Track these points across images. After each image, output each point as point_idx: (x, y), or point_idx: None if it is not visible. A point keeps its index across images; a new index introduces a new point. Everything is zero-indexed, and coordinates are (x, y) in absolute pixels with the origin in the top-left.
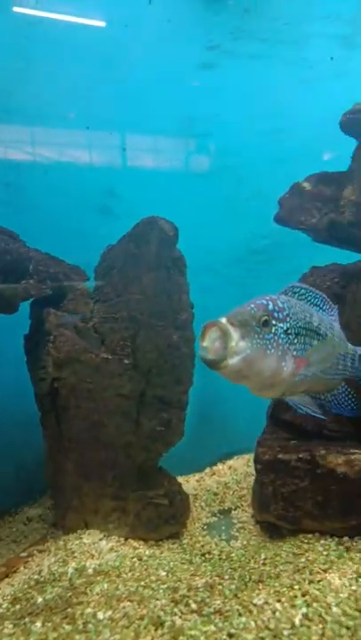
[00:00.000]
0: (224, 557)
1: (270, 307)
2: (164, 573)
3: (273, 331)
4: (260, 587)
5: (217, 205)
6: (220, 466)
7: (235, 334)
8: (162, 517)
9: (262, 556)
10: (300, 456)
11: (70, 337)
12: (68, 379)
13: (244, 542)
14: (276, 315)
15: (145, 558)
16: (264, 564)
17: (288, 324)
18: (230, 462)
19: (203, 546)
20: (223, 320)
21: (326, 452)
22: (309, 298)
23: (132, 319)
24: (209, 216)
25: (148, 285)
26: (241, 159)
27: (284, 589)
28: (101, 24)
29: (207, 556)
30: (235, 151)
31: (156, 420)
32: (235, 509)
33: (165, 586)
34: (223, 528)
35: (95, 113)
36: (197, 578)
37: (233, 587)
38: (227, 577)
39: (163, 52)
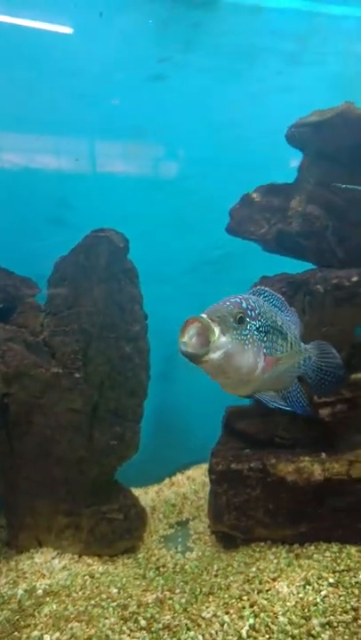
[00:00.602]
0: (178, 570)
1: (244, 305)
2: (115, 590)
3: (248, 327)
4: (210, 599)
5: (171, 215)
6: (179, 476)
7: (216, 330)
8: (116, 532)
9: (215, 567)
10: (252, 465)
11: (19, 351)
12: (17, 394)
13: (199, 554)
14: (249, 313)
15: (97, 575)
16: (216, 576)
17: (259, 323)
18: (189, 472)
19: (158, 559)
20: (204, 316)
21: (277, 461)
22: (271, 300)
23: (82, 332)
24: (163, 226)
25: (98, 297)
26: (194, 170)
27: (233, 601)
28: (67, 30)
29: (162, 569)
30: (187, 162)
31: (110, 434)
32: (192, 520)
33: (115, 603)
34: (180, 540)
35: (49, 120)
36: (149, 593)
37: (183, 600)
38: (178, 590)
39: (115, 62)
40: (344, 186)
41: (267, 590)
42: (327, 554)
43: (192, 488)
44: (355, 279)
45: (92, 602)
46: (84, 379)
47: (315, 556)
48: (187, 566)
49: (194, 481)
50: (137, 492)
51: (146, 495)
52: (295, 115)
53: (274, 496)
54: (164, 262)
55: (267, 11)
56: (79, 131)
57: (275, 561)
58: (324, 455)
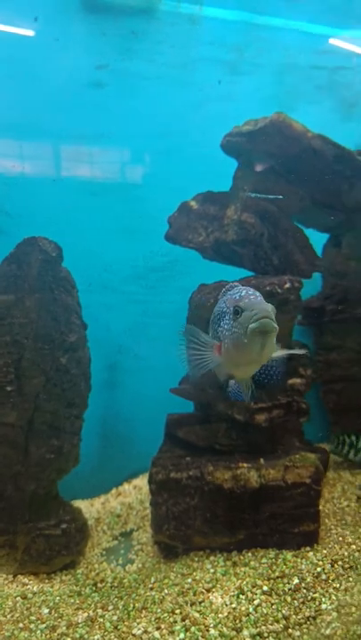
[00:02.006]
0: (116, 584)
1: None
2: (46, 611)
3: None
4: (143, 614)
5: (114, 222)
6: (125, 486)
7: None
8: (54, 549)
9: (152, 580)
10: (191, 473)
11: None
12: None
13: (140, 566)
14: None
15: (30, 596)
16: (152, 589)
17: None
18: (136, 481)
19: (98, 574)
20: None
21: (214, 469)
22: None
23: (15, 344)
24: (107, 233)
25: (31, 308)
26: (136, 177)
27: (166, 615)
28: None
29: (99, 584)
30: (131, 169)
31: (46, 448)
32: (136, 530)
33: (45, 625)
34: (122, 552)
35: None
36: (80, 612)
37: (115, 618)
38: (111, 607)
39: (53, 68)
40: (254, 195)
41: (200, 602)
42: (264, 560)
43: (138, 497)
44: (287, 286)
45: (20, 625)
46: (18, 392)
47: (251, 563)
48: (125, 580)
49: (140, 490)
50: (82, 504)
51: (91, 507)
52: (235, 124)
53: (211, 504)
54: (107, 270)
55: (205, 21)
56: (18, 135)
57: (211, 570)
58: (262, 461)
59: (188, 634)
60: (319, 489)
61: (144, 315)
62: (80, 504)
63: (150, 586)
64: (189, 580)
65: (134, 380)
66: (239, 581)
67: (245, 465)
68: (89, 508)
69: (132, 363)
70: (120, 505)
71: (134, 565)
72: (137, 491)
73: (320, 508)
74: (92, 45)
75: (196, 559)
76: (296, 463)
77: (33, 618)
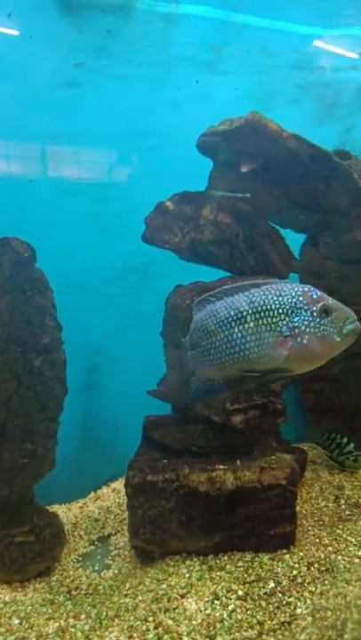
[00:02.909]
0: (91, 591)
1: None
2: (17, 621)
3: None
4: (115, 622)
5: (92, 223)
6: (104, 489)
7: None
8: (27, 556)
9: (127, 586)
10: (167, 476)
11: None
12: None
13: (116, 571)
14: None
15: (1, 606)
16: (126, 596)
17: None
18: (114, 485)
19: (73, 580)
20: None
21: (190, 471)
22: None
23: None
24: (85, 234)
25: (2, 310)
26: (113, 177)
27: (138, 623)
28: None
29: (73, 592)
30: (109, 168)
31: (19, 452)
32: (114, 535)
33: (14, 637)
34: (99, 557)
35: None
36: (52, 621)
37: (87, 627)
38: (84, 616)
39: (27, 66)
40: (221, 194)
41: (174, 609)
42: (240, 564)
43: (117, 501)
44: None
45: None
46: None
47: (227, 567)
48: (100, 587)
49: (119, 494)
50: (60, 508)
51: (69, 511)
52: (213, 123)
53: (187, 507)
54: (85, 271)
55: (182, 19)
56: None
57: (187, 575)
58: (239, 462)
59: None
60: (295, 490)
61: (123, 316)
62: (57, 509)
63: (125, 592)
64: (164, 586)
65: (113, 382)
66: (214, 586)
67: (221, 467)
68: (66, 512)
69: (111, 365)
70: (98, 509)
71: (110, 571)
72: (116, 494)
73: (298, 508)
74: (68, 44)
75: (172, 564)
76: (272, 464)
77: (2, 630)
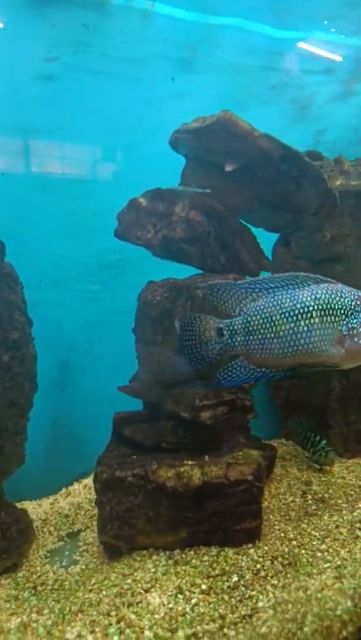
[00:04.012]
0: (56, 587)
1: None
2: None
3: None
4: (79, 617)
5: (66, 219)
6: (75, 485)
7: None
8: None
9: (93, 581)
10: (135, 472)
11: None
12: None
13: (83, 567)
14: None
15: None
16: (91, 591)
17: None
18: (86, 481)
19: (39, 576)
20: None
21: (158, 467)
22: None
23: None
24: (59, 230)
25: None
26: (87, 173)
27: (101, 617)
28: None
29: (39, 588)
30: (82, 164)
31: None
32: (84, 531)
33: None
34: (67, 553)
35: None
36: (14, 617)
37: (49, 622)
38: (47, 611)
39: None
40: (181, 188)
41: (137, 603)
42: (205, 558)
43: (87, 497)
44: None
45: None
46: None
47: (193, 561)
48: (66, 582)
49: (90, 490)
50: (30, 504)
51: (39, 507)
52: (188, 121)
53: (154, 503)
54: (59, 266)
55: (158, 17)
56: None
57: (152, 570)
58: (207, 458)
59: (122, 636)
60: (261, 485)
61: (97, 313)
62: (28, 505)
63: (90, 587)
64: (129, 581)
65: (86, 378)
66: (179, 580)
67: (189, 462)
68: (37, 508)
69: (83, 361)
70: (69, 505)
71: (77, 567)
72: (87, 490)
73: (266, 504)
74: (42, 37)
75: (139, 559)
76: (239, 460)
77: None
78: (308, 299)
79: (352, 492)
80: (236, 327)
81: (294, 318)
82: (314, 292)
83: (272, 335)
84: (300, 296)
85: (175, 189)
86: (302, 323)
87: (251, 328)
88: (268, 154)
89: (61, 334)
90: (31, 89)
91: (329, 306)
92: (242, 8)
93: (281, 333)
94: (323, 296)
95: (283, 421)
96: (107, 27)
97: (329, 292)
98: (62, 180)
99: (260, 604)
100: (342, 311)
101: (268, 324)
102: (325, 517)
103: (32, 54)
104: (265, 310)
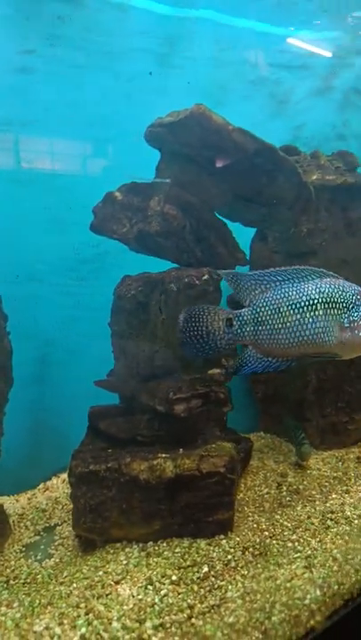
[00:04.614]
0: (29, 581)
1: None
2: None
3: None
4: (48, 610)
5: (44, 213)
6: (54, 480)
7: None
8: None
9: (65, 574)
10: (109, 465)
11: None
12: None
13: (57, 560)
14: None
15: None
16: (62, 584)
17: None
18: (64, 475)
19: (13, 570)
20: None
21: (131, 460)
22: None
23: None
24: (36, 224)
25: None
26: (65, 166)
27: (70, 610)
28: None
29: (12, 581)
30: (60, 158)
31: None
32: (60, 525)
33: None
34: (42, 547)
35: None
36: None
37: (18, 615)
38: (16, 604)
39: None
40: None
41: (107, 595)
42: (178, 550)
43: (65, 492)
44: (205, 277)
45: None
46: None
47: (165, 553)
48: (39, 575)
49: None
50: (8, 499)
51: (17, 502)
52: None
53: (128, 495)
54: (36, 261)
55: (134, 11)
56: None
57: (124, 562)
58: (181, 451)
59: (90, 628)
60: (233, 478)
61: (75, 307)
62: (5, 500)
63: (61, 580)
64: (100, 573)
65: (65, 373)
66: (150, 572)
67: (163, 455)
68: (14, 503)
69: (62, 356)
70: (47, 500)
71: (52, 560)
72: (65, 485)
73: (241, 495)
74: (16, 30)
75: (112, 551)
76: (211, 452)
77: None
78: (314, 292)
79: (326, 484)
80: (245, 318)
81: (300, 310)
82: (318, 286)
83: (280, 326)
84: (306, 289)
85: (161, 185)
86: (308, 314)
87: (260, 319)
88: (242, 148)
89: (39, 329)
90: (5, 82)
91: (332, 299)
92: (219, 1)
93: (288, 324)
94: (326, 290)
95: (261, 415)
96: (83, 19)
97: (332, 287)
98: (39, 173)
99: (229, 594)
100: (344, 304)
101: (276, 316)
102: (298, 508)
103: (7, 47)
104: (273, 302)
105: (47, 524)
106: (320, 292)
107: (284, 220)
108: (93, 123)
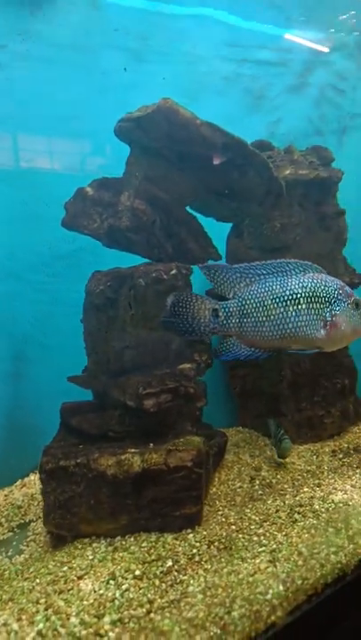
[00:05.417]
0: None
1: None
2: None
3: None
4: (8, 606)
5: (16, 209)
6: (31, 476)
7: None
8: None
9: (31, 570)
10: (78, 461)
11: None
12: None
13: (27, 556)
14: None
15: None
16: (26, 579)
17: None
18: None
19: None
20: None
21: (99, 455)
22: None
23: None
24: (7, 220)
25: None
26: (39, 163)
27: (30, 605)
28: None
29: None
30: (30, 155)
31: None
32: (35, 521)
33: None
34: (14, 543)
35: None
36: None
37: None
38: None
39: None
40: (138, 180)
41: (69, 590)
42: (144, 544)
43: (42, 488)
44: (173, 272)
45: None
46: None
47: (131, 547)
48: (7, 572)
49: None
50: None
51: None
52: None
53: (95, 491)
54: (9, 257)
55: (107, 7)
56: None
57: (90, 557)
58: (152, 446)
59: (47, 623)
60: (201, 472)
61: (50, 304)
62: None
63: (26, 576)
64: (65, 569)
65: (41, 370)
66: (114, 567)
67: (132, 450)
68: None
69: (38, 353)
70: (23, 496)
71: (22, 556)
72: None
73: (214, 490)
74: None
75: (80, 547)
76: (179, 447)
77: None
78: (297, 286)
79: (299, 477)
80: (231, 309)
81: (284, 304)
82: (301, 281)
83: (264, 319)
84: (290, 284)
85: (131, 180)
86: (291, 308)
87: (245, 311)
88: (210, 142)
89: (15, 326)
90: None
91: (315, 294)
92: None
93: (272, 317)
94: (309, 284)
95: (240, 409)
96: (54, 15)
97: (315, 281)
98: (13, 170)
99: (190, 589)
100: (327, 299)
101: (260, 309)
102: (269, 502)
103: None
104: (258, 295)
105: (22, 521)
106: (303, 286)
107: (256, 214)
108: (67, 118)
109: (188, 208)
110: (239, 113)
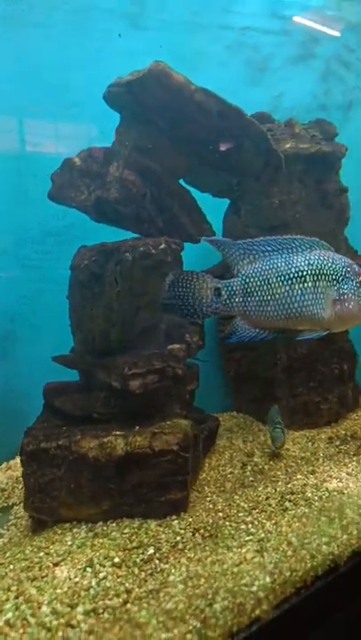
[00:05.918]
0: None
1: None
2: None
3: None
4: None
5: (5, 186)
6: (17, 459)
7: None
8: None
9: (7, 555)
10: (60, 443)
11: None
12: None
13: (6, 540)
14: None
15: None
16: (0, 565)
17: None
18: None
19: None
20: None
21: (81, 437)
22: None
23: None
24: None
25: None
26: (27, 136)
27: (0, 593)
28: None
29: None
30: (19, 127)
31: None
32: (17, 504)
33: None
34: None
35: None
36: None
37: None
38: None
39: None
40: (128, 150)
41: (43, 577)
42: (126, 530)
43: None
44: (162, 247)
45: None
46: None
47: (113, 534)
48: None
49: None
50: None
51: None
52: None
53: (76, 474)
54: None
55: None
56: None
57: (69, 543)
58: (137, 429)
59: (17, 612)
60: (187, 456)
61: (39, 281)
62: None
63: (1, 561)
64: (41, 554)
65: (29, 350)
66: (92, 553)
67: (116, 433)
68: None
69: (26, 332)
70: (7, 479)
71: (1, 541)
72: None
73: (204, 475)
74: None
75: (60, 532)
76: (165, 430)
77: None
78: (303, 264)
79: (293, 464)
80: (234, 288)
81: (289, 282)
82: (308, 258)
83: (268, 297)
84: (295, 261)
85: (120, 150)
86: (297, 286)
87: (249, 289)
88: (205, 109)
89: (3, 304)
90: None
91: (322, 271)
92: None
93: (277, 296)
94: (316, 262)
95: (234, 393)
96: None
97: (322, 259)
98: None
99: (171, 578)
100: (334, 277)
101: (265, 287)
102: (260, 489)
103: None
104: (262, 273)
105: (5, 504)
106: (309, 263)
107: (254, 190)
108: (60, 86)
109: (182, 182)
110: (241, 85)
